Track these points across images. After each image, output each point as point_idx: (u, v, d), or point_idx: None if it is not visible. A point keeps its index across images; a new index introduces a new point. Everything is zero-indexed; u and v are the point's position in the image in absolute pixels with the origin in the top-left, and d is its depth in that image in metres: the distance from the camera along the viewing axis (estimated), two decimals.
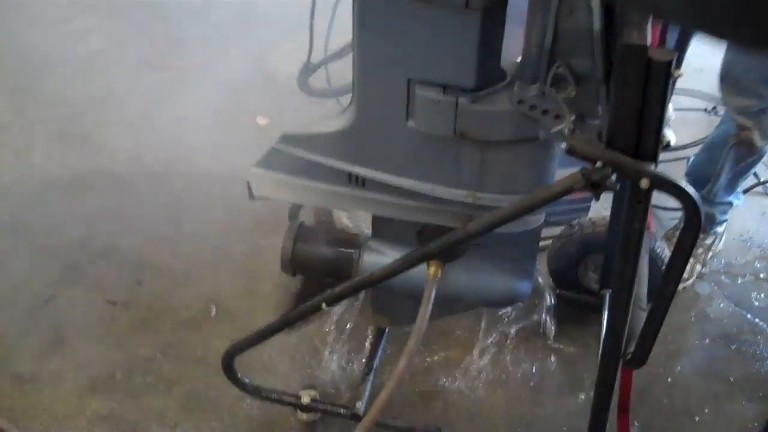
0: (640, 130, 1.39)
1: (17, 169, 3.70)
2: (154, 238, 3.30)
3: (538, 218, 2.04)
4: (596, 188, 1.46)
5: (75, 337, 2.91)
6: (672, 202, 1.80)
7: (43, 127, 3.96)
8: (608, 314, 1.77)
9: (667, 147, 3.46)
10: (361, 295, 2.66)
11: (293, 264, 2.28)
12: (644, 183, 1.42)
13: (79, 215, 3.40)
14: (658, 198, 1.56)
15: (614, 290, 1.70)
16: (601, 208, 2.94)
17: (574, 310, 2.84)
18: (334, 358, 2.76)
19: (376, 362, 2.59)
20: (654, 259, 2.62)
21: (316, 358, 2.80)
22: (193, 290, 3.07)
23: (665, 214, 3.35)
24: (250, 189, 2.11)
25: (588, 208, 3.02)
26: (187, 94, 4.16)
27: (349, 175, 1.97)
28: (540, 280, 2.58)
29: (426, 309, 2.01)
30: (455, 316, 2.82)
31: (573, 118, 1.60)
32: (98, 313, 2.99)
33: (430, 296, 2.03)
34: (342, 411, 2.44)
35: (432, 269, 2.06)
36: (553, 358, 2.80)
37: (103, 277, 3.14)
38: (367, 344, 2.69)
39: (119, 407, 2.67)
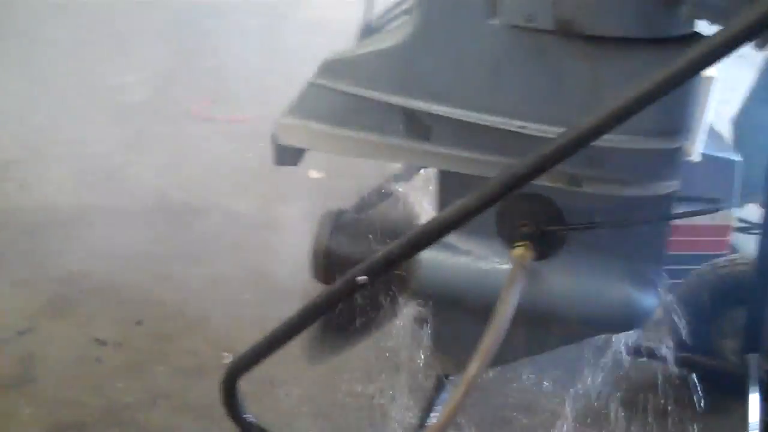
0: None
1: (18, 201, 3.25)
2: (165, 276, 2.74)
3: (669, 183, 1.34)
4: None
5: (46, 375, 2.30)
6: None
7: (59, 164, 3.54)
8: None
9: None
10: None
11: (327, 265, 1.62)
12: None
13: (79, 249, 2.92)
14: None
15: None
16: None
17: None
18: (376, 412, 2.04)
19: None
20: None
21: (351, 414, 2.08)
22: (203, 336, 2.48)
23: None
24: (275, 142, 1.48)
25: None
26: (229, 144, 3.78)
27: (408, 121, 1.39)
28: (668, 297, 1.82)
29: (507, 306, 1.31)
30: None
31: None
32: (80, 351, 2.41)
33: (514, 285, 1.33)
34: None
35: (519, 251, 1.38)
36: None
37: (95, 314, 2.57)
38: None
39: None
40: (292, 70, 4.43)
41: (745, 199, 2.62)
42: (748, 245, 2.42)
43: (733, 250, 2.42)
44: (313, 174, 3.46)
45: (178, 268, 2.78)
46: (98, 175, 3.46)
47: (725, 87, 1.94)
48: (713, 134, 2.27)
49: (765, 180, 1.93)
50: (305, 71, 1.47)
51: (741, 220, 2.60)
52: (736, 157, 2.19)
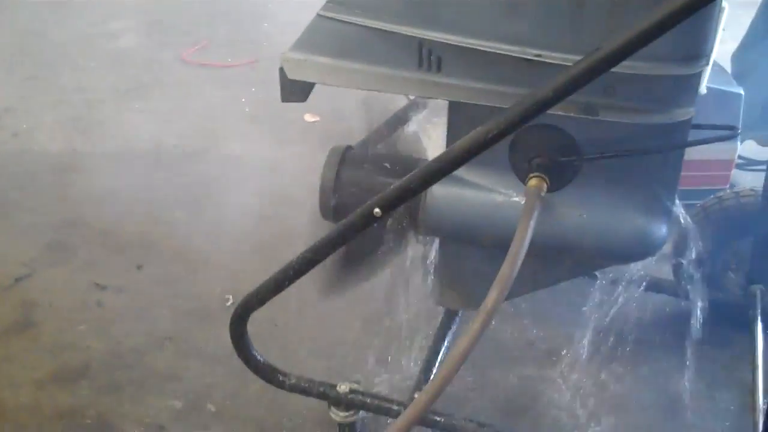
0: None
1: (11, 147, 3.19)
2: (166, 221, 2.71)
3: (686, 110, 1.32)
4: None
5: (46, 319, 2.28)
6: None
7: (53, 112, 3.45)
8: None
9: None
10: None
11: (336, 202, 1.60)
12: None
13: (78, 196, 2.86)
14: None
15: None
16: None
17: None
18: (387, 349, 2.03)
19: (441, 353, 1.85)
20: None
21: (361, 351, 2.07)
22: (206, 278, 2.45)
23: None
24: (282, 78, 1.45)
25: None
26: (224, 89, 3.72)
27: (418, 52, 1.35)
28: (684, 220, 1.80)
29: (524, 236, 1.29)
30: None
31: None
32: (81, 296, 2.37)
33: (531, 217, 1.31)
34: (394, 407, 1.69)
35: (533, 181, 1.37)
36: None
37: (95, 259, 2.52)
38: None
39: (88, 404, 1.99)
40: (282, 15, 4.42)
41: (743, 136, 2.61)
42: (745, 182, 2.42)
43: (732, 186, 2.41)
44: (309, 118, 3.41)
45: (177, 213, 2.75)
46: (91, 122, 3.39)
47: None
48: (716, 67, 2.25)
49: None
50: (298, 17, 1.43)
51: (739, 157, 2.59)
52: (741, 90, 2.18)
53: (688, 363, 2.00)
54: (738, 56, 2.85)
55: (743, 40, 2.84)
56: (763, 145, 2.67)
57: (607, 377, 2.04)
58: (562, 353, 2.09)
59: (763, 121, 2.48)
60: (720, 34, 1.52)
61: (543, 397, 2.01)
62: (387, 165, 1.67)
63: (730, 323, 2.02)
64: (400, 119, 1.89)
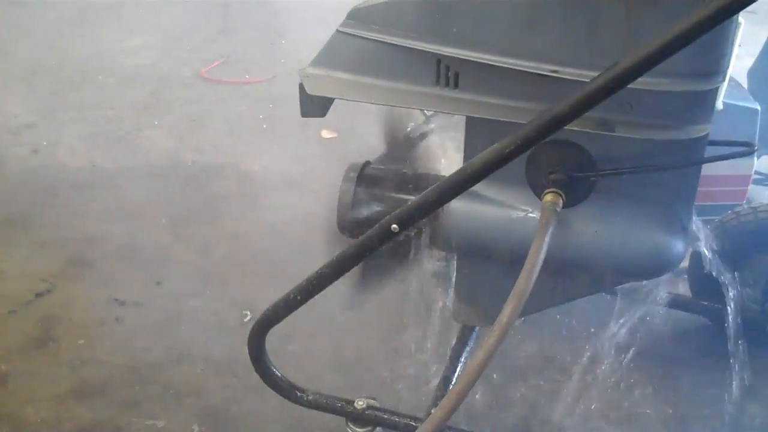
0: None
1: (31, 163, 3.21)
2: (185, 237, 2.71)
3: (702, 126, 1.32)
4: None
5: (65, 335, 2.29)
6: None
7: (72, 128, 3.48)
8: None
9: None
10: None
11: (354, 217, 1.62)
12: None
13: (98, 211, 2.88)
14: None
15: None
16: None
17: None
18: (405, 366, 2.04)
19: (458, 369, 1.85)
20: None
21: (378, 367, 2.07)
22: (224, 294, 2.46)
23: None
24: (302, 93, 1.46)
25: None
26: (242, 105, 3.76)
27: (436, 67, 1.36)
28: (701, 236, 1.79)
29: (540, 252, 1.28)
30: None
31: None
32: (101, 312, 2.38)
33: (546, 232, 1.31)
34: (410, 422, 1.69)
35: (549, 197, 1.36)
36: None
37: (115, 274, 2.54)
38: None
39: (107, 419, 2.00)
40: (300, 32, 4.46)
41: (761, 151, 2.61)
42: (763, 198, 2.41)
43: (749, 202, 2.40)
44: (326, 134, 3.43)
45: (195, 228, 2.77)
46: (110, 138, 3.42)
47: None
48: (733, 83, 2.25)
49: None
50: (314, 34, 1.44)
51: (756, 173, 2.58)
52: (757, 106, 2.17)
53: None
54: (755, 72, 2.85)
55: (759, 56, 2.84)
56: None
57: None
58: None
59: None
60: (736, 50, 1.52)
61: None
62: (404, 181, 1.68)
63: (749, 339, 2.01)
64: (417, 135, 1.90)
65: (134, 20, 4.74)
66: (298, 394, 1.73)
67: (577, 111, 1.10)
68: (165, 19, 4.80)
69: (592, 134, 1.30)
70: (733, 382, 1.97)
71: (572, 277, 1.55)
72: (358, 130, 3.29)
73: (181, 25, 4.70)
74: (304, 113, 1.48)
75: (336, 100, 1.46)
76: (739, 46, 1.47)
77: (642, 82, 1.10)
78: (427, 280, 1.86)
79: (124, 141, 3.39)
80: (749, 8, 0.97)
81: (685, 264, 2.11)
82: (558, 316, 2.25)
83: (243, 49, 4.36)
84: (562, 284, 1.57)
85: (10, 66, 4.15)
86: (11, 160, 3.24)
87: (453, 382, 1.83)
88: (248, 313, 2.35)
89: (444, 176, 1.44)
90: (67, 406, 2.04)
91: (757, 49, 2.83)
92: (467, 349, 1.93)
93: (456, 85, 1.37)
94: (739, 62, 2.80)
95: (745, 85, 2.73)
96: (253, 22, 4.74)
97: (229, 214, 2.85)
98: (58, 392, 2.08)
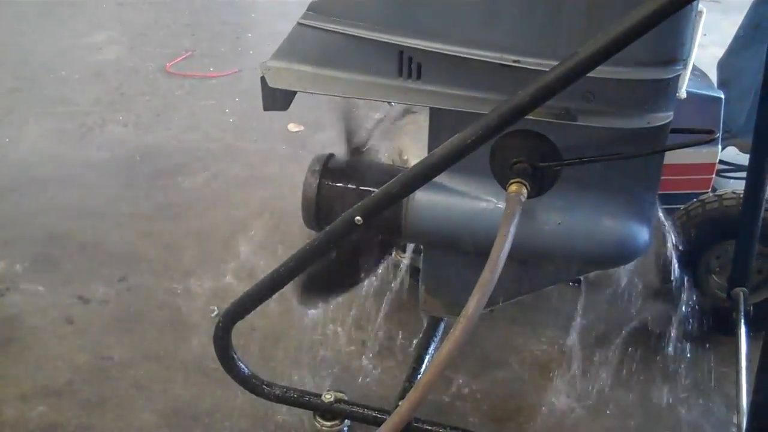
0: None
1: None
2: (151, 233, 2.68)
3: (664, 114, 1.33)
4: None
5: (29, 334, 2.25)
6: None
7: (36, 124, 3.44)
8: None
9: None
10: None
11: (319, 210, 1.61)
12: None
13: (59, 208, 2.84)
14: None
15: None
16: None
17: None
18: (371, 358, 2.03)
19: (426, 361, 1.85)
20: None
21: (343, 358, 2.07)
22: (189, 292, 2.41)
23: None
24: (264, 87, 1.45)
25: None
26: (208, 99, 3.72)
27: (399, 59, 1.36)
28: (667, 224, 1.79)
29: (505, 242, 1.27)
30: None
31: None
32: (64, 310, 2.35)
33: (511, 222, 1.30)
34: (378, 415, 1.69)
35: (513, 187, 1.36)
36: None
37: (78, 272, 2.51)
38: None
39: (72, 418, 1.97)
40: (266, 26, 4.43)
41: (726, 142, 2.62)
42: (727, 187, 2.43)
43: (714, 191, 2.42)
44: (293, 127, 3.42)
45: (160, 225, 2.74)
46: (74, 134, 3.37)
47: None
48: (697, 72, 2.26)
49: (757, 116, 1.90)
50: (281, 27, 1.43)
51: (721, 162, 2.61)
52: (721, 95, 2.19)
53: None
54: (724, 63, 2.86)
55: (729, 48, 2.85)
56: (744, 152, 2.69)
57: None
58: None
59: (747, 129, 2.49)
60: (698, 39, 1.53)
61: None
62: (368, 173, 1.67)
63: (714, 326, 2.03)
64: (381, 127, 1.89)
65: (98, 15, 4.67)
66: (266, 389, 1.72)
67: (537, 100, 1.10)
68: (129, 14, 4.75)
69: (556, 124, 1.30)
70: None
71: (538, 267, 1.56)
72: (324, 122, 3.27)
73: (146, 19, 4.64)
74: (267, 107, 1.46)
75: (301, 93, 1.45)
76: (704, 35, 1.47)
77: (602, 71, 1.10)
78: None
79: (89, 137, 3.35)
80: None
81: None
82: None
83: (208, 44, 4.32)
84: (528, 274, 1.57)
85: None
86: None
87: (420, 374, 1.83)
88: (215, 308, 2.33)
89: (407, 168, 1.44)
90: (31, 405, 2.01)
91: (721, 38, 2.85)
92: (435, 339, 1.93)
93: (419, 77, 1.36)
94: (703, 51, 2.82)
95: (714, 78, 2.75)
96: (218, 16, 4.69)
97: (194, 208, 2.82)
98: (22, 392, 2.05)
